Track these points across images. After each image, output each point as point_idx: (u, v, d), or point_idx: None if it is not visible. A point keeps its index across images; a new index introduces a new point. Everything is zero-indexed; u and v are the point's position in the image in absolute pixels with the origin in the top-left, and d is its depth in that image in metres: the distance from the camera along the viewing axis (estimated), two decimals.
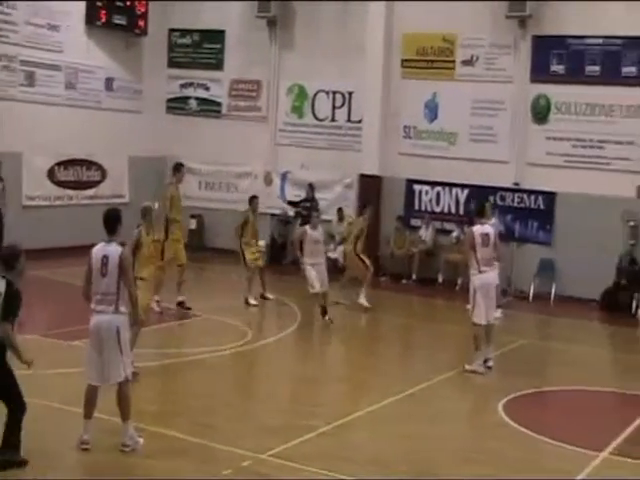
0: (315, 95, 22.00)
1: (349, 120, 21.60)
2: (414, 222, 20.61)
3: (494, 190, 19.50)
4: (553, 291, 18.72)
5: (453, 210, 20.20)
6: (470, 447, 9.53)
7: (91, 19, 21.22)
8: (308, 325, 15.46)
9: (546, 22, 19.14)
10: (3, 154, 18.40)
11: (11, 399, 7.78)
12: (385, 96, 20.75)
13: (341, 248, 20.56)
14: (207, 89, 23.44)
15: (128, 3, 21.93)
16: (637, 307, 17.51)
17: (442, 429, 10.01)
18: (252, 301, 16.25)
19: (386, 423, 10.13)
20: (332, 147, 21.68)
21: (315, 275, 14.92)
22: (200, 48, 23.52)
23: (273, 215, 21.69)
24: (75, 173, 21.36)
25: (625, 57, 18.45)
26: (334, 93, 21.77)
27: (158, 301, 14.56)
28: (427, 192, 20.48)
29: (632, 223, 18.19)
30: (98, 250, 8.56)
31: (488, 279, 12.58)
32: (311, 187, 21.16)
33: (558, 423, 10.54)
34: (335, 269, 20.04)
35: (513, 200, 19.48)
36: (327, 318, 14.94)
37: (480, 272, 12.51)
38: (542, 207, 19.26)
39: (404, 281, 19.97)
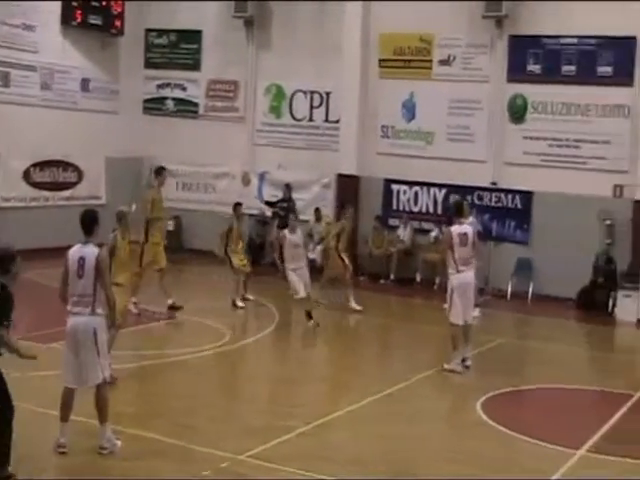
0: (293, 95, 21.98)
1: (327, 120, 21.59)
2: (392, 222, 20.63)
3: (472, 189, 19.57)
4: (530, 290, 18.80)
5: (431, 210, 20.24)
6: (449, 446, 9.56)
7: (67, 19, 21.09)
8: (286, 326, 15.46)
9: (522, 22, 19.22)
10: None
11: (1, 402, 7.69)
12: (363, 96, 20.77)
13: (319, 248, 20.58)
14: (184, 89, 23.36)
15: (104, 3, 21.81)
16: (613, 305, 17.61)
17: (421, 428, 10.02)
18: (239, 303, 16.22)
19: (365, 423, 10.13)
20: (310, 147, 21.68)
21: (297, 280, 14.78)
22: (177, 48, 23.43)
23: (251, 215, 21.60)
24: (51, 174, 21.22)
25: (600, 57, 18.55)
26: (312, 93, 21.76)
27: (135, 303, 14.50)
28: (405, 192, 20.52)
29: (608, 222, 18.30)
30: (75, 251, 8.51)
31: (466, 279, 12.61)
32: (288, 187, 21.14)
33: (536, 421, 10.58)
34: (313, 269, 20.11)
35: (490, 199, 19.56)
36: (312, 322, 14.76)
37: (458, 272, 12.55)
38: (519, 206, 19.34)
39: (382, 281, 19.99)
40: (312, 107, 21.77)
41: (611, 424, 10.45)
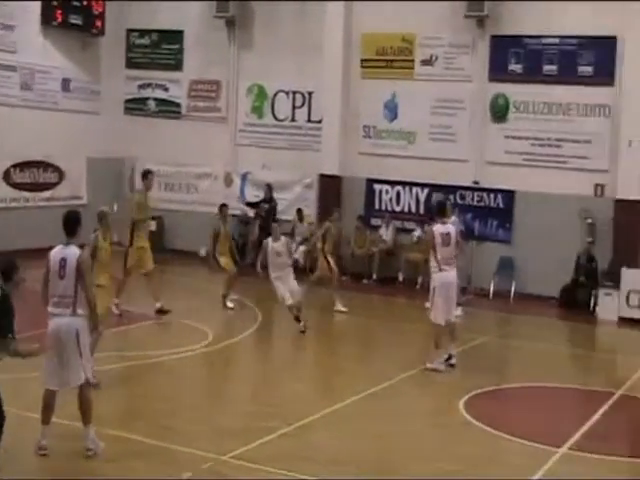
0: (275, 95, 21.96)
1: (309, 120, 21.59)
2: (374, 222, 20.65)
3: (454, 189, 19.61)
4: (513, 289, 18.86)
5: (413, 209, 20.27)
6: (432, 445, 9.57)
7: (47, 19, 20.99)
8: (269, 326, 15.45)
9: (504, 22, 19.28)
10: None
11: None
12: (345, 96, 20.78)
13: (302, 248, 20.57)
14: (166, 90, 23.29)
15: (85, 3, 21.72)
16: (595, 304, 17.69)
17: (404, 428, 10.02)
18: (229, 304, 16.23)
19: (348, 422, 10.13)
20: (292, 147, 21.66)
21: (282, 287, 14.59)
22: (158, 48, 23.36)
23: (233, 216, 21.52)
24: (31, 175, 21.11)
25: (581, 57, 18.63)
26: (294, 93, 21.74)
27: (117, 304, 14.45)
28: (387, 191, 20.54)
29: (590, 221, 18.38)
30: (56, 252, 8.48)
31: (448, 278, 12.64)
32: (269, 187, 21.12)
33: (518, 420, 10.61)
34: (296, 270, 20.09)
35: (473, 199, 19.60)
36: (302, 325, 14.55)
37: (440, 270, 12.57)
38: (501, 205, 19.40)
39: (365, 281, 20.00)
40: (294, 107, 21.76)
41: (593, 422, 10.50)
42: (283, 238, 14.93)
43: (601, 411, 11.00)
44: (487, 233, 19.53)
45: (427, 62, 20.12)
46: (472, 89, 19.68)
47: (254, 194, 21.81)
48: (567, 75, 18.74)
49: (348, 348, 14.66)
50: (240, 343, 14.26)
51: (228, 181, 22.41)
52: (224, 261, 16.28)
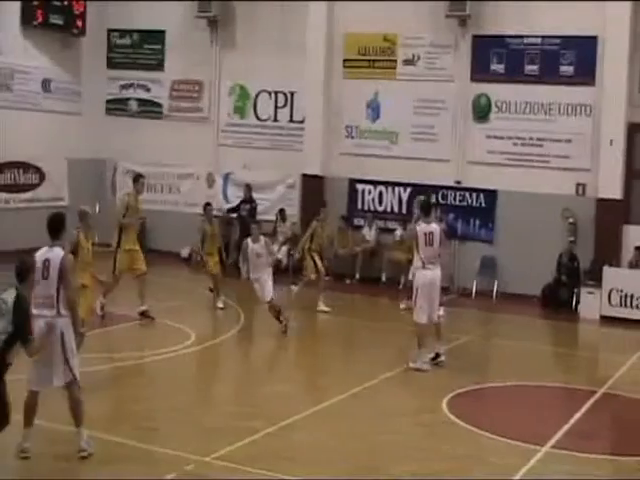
0: (257, 95, 21.92)
1: (291, 120, 21.56)
2: (357, 222, 20.65)
3: (436, 188, 19.64)
4: (495, 288, 18.92)
5: (396, 209, 20.28)
6: (414, 445, 9.56)
7: (27, 19, 20.85)
8: (251, 326, 15.41)
9: (486, 22, 19.33)
10: None
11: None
12: (327, 96, 20.78)
13: (284, 249, 20.56)
14: (148, 90, 23.20)
15: (65, 3, 21.57)
16: (577, 303, 17.76)
17: (387, 427, 10.02)
18: (219, 304, 16.21)
19: (331, 422, 10.12)
20: (274, 147, 21.63)
21: (259, 289, 14.59)
22: (140, 48, 23.28)
23: (215, 217, 21.50)
24: (12, 176, 20.96)
25: (563, 56, 18.72)
26: (276, 93, 21.71)
27: (103, 305, 14.39)
28: (370, 191, 20.55)
29: (571, 220, 18.47)
30: (41, 254, 8.53)
31: (431, 276, 12.65)
32: (248, 188, 21.09)
33: (501, 419, 10.63)
34: (278, 270, 20.05)
35: (455, 198, 19.65)
36: (282, 325, 14.43)
37: (424, 268, 12.59)
38: (483, 205, 19.45)
39: (348, 281, 20.00)
40: (277, 107, 21.73)
41: (575, 420, 10.53)
42: (262, 239, 14.83)
43: (584, 409, 11.04)
44: (469, 233, 19.58)
45: (409, 62, 20.15)
46: (454, 89, 19.71)
47: (236, 195, 21.77)
48: (549, 75, 18.82)
49: (331, 348, 14.65)
50: (223, 343, 14.23)
51: (210, 181, 22.37)
52: (211, 263, 16.23)
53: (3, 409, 7.62)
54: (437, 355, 12.79)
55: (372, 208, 20.51)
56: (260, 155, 21.70)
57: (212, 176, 22.35)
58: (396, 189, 20.25)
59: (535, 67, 19.01)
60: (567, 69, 18.73)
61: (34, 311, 8.36)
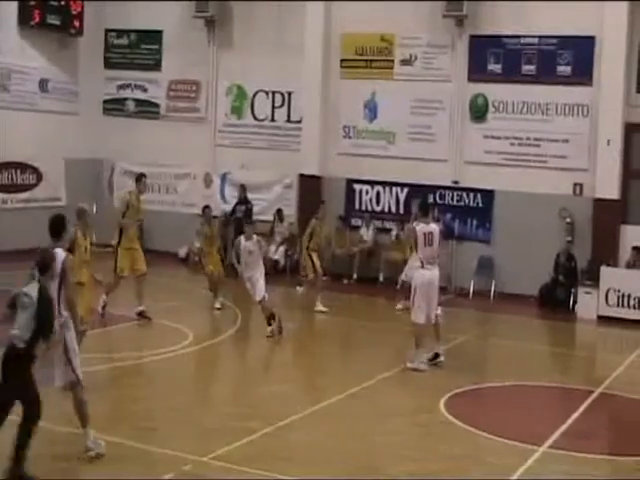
0: (254, 95, 21.93)
1: (289, 120, 21.57)
2: (355, 222, 20.66)
3: (433, 189, 19.66)
4: (492, 288, 18.93)
5: (393, 209, 20.29)
6: (412, 445, 9.56)
7: (24, 19, 20.85)
8: (249, 326, 15.40)
9: (483, 22, 19.34)
10: None
11: (29, 407, 7.69)
12: (324, 96, 20.78)
13: (282, 249, 20.58)
14: (145, 90, 23.20)
15: (63, 3, 21.57)
16: (574, 302, 17.78)
17: (384, 427, 10.03)
18: (217, 305, 16.21)
19: (328, 423, 10.12)
20: (272, 147, 21.64)
21: (250, 288, 14.45)
22: (137, 49, 23.27)
23: (214, 217, 21.50)
24: (9, 176, 20.95)
25: (560, 56, 18.73)
26: (273, 93, 21.71)
27: (105, 305, 14.43)
28: (367, 191, 20.55)
29: (568, 220, 18.48)
30: None
31: (430, 277, 12.66)
32: (243, 188, 21.08)
33: (498, 419, 10.64)
34: (275, 271, 20.08)
35: (452, 198, 19.66)
36: (269, 330, 14.18)
37: (423, 269, 12.60)
38: (481, 205, 19.46)
39: (345, 281, 20.00)
40: (274, 107, 21.73)
41: (572, 420, 10.54)
42: (255, 237, 14.75)
43: (581, 409, 11.05)
44: (467, 233, 19.59)
45: (406, 62, 20.16)
46: (451, 89, 19.73)
47: (233, 195, 21.76)
48: (546, 75, 18.84)
49: (329, 348, 14.64)
50: (221, 344, 14.23)
51: (207, 181, 22.37)
52: (212, 264, 16.20)
53: (36, 403, 7.70)
54: (436, 355, 12.80)
55: (369, 208, 20.51)
56: (257, 155, 21.71)
57: (209, 176, 22.35)
58: (393, 189, 20.26)
59: (532, 67, 19.02)
60: (564, 69, 18.74)
61: None
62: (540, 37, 18.89)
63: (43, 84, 21.75)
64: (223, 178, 22.21)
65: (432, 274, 12.71)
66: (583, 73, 18.49)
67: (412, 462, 8.91)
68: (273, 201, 21.40)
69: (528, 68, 19.06)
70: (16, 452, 7.65)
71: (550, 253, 18.27)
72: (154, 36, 22.92)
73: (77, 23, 22.08)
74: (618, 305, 17.16)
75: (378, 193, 20.44)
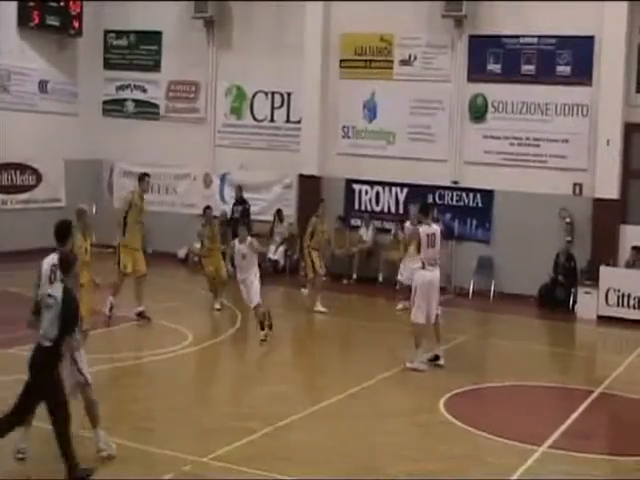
0: (254, 96, 21.92)
1: (288, 120, 21.57)
2: (354, 222, 20.66)
3: (433, 189, 19.66)
4: (492, 288, 18.93)
5: (393, 209, 20.29)
6: (411, 445, 9.56)
7: (24, 20, 20.84)
8: (248, 327, 15.38)
9: (482, 22, 19.34)
10: None
11: (55, 410, 7.70)
12: (324, 96, 20.78)
13: (282, 249, 20.58)
14: (144, 91, 23.20)
15: (62, 4, 21.56)
16: (574, 302, 17.78)
17: (384, 427, 10.02)
18: (216, 305, 16.19)
19: (328, 423, 10.12)
20: (271, 148, 21.64)
21: (244, 291, 14.24)
22: (136, 49, 23.27)
23: (214, 217, 21.48)
24: (9, 177, 20.94)
25: (560, 56, 18.73)
26: (273, 94, 21.71)
27: (112, 306, 14.44)
28: (367, 192, 20.55)
29: (568, 220, 18.48)
30: (48, 259, 8.50)
31: (430, 278, 12.67)
32: (239, 189, 21.07)
33: (498, 419, 10.64)
34: (275, 271, 20.10)
35: (452, 198, 19.66)
36: (262, 334, 13.92)
37: (424, 269, 12.61)
38: (480, 205, 19.46)
39: (345, 281, 20.00)
40: (273, 108, 21.73)
41: (572, 420, 10.54)
42: (248, 239, 14.47)
43: (581, 409, 11.05)
44: (466, 233, 19.59)
45: (406, 62, 20.15)
46: (451, 89, 19.73)
47: (232, 195, 21.74)
48: (545, 75, 18.84)
49: (328, 348, 14.64)
50: (220, 344, 14.23)
51: (207, 182, 22.37)
52: (213, 265, 16.18)
53: (63, 405, 7.73)
54: (436, 357, 12.80)
55: (369, 208, 20.52)
56: (257, 155, 21.71)
57: (209, 177, 22.36)
58: (393, 189, 20.26)
59: (532, 67, 19.02)
60: (564, 69, 18.74)
61: None
62: (539, 37, 18.89)
63: (42, 85, 21.76)
64: (222, 178, 22.20)
65: (433, 275, 12.73)
66: (583, 73, 18.49)
67: (412, 462, 8.91)
68: (273, 201, 21.41)
69: (527, 68, 19.06)
70: (65, 462, 7.67)
71: (550, 253, 18.28)
72: (153, 37, 22.92)
73: (76, 24, 22.07)
74: (618, 305, 17.16)
75: (377, 193, 20.44)
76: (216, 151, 22.38)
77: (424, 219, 12.99)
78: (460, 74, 19.63)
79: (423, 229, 12.75)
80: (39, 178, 21.73)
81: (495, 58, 19.35)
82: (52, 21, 21.40)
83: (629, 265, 17.84)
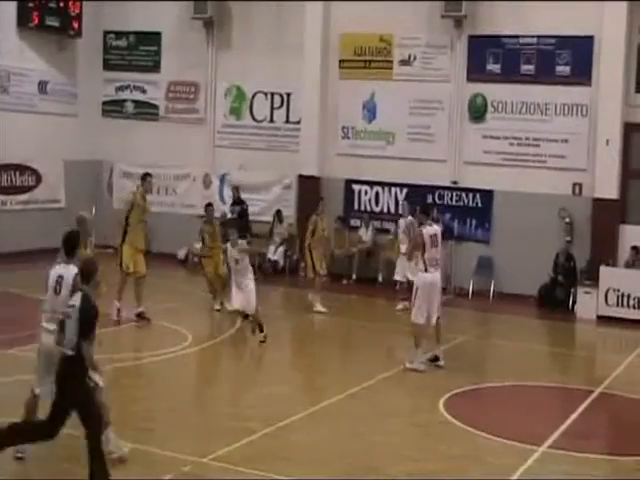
0: (253, 96, 21.92)
1: (287, 121, 21.56)
2: (354, 222, 20.66)
3: (432, 189, 19.66)
4: (492, 288, 18.93)
5: (392, 210, 20.28)
6: (411, 445, 9.57)
7: (23, 21, 20.84)
8: (248, 328, 15.37)
9: (481, 22, 19.34)
10: None
11: (89, 422, 7.67)
12: (323, 97, 20.78)
13: (281, 250, 20.58)
14: (144, 92, 23.20)
15: (61, 4, 21.55)
16: (574, 302, 17.78)
17: (384, 428, 10.02)
18: (216, 306, 16.19)
19: (328, 423, 10.12)
20: (271, 148, 21.64)
21: (236, 294, 14.04)
22: (136, 50, 23.26)
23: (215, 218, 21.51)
24: (8, 178, 20.94)
25: (559, 56, 18.73)
26: (272, 94, 21.71)
27: (119, 309, 14.49)
28: (366, 192, 20.55)
29: (568, 220, 18.49)
30: (56, 270, 8.52)
31: (432, 279, 12.67)
32: (237, 189, 21.06)
33: (498, 419, 10.64)
34: (275, 272, 20.10)
35: (451, 199, 19.66)
36: (262, 335, 13.88)
37: (426, 271, 12.61)
38: (480, 205, 19.46)
39: (344, 281, 20.00)
40: (273, 108, 21.73)
41: (572, 420, 10.54)
42: (239, 242, 14.30)
43: (580, 409, 11.06)
44: (466, 233, 19.59)
45: (405, 62, 20.15)
46: (450, 89, 19.73)
47: (231, 195, 21.70)
48: (545, 75, 18.84)
49: (328, 349, 14.64)
50: (220, 345, 14.22)
51: (207, 182, 22.37)
52: (213, 264, 16.18)
53: (95, 417, 7.72)
54: (436, 358, 12.80)
55: (368, 209, 20.52)
56: (256, 156, 21.71)
57: (208, 177, 22.35)
58: (392, 189, 20.26)
59: (531, 67, 19.03)
60: (563, 69, 18.75)
61: (43, 324, 8.37)
62: (539, 37, 18.89)
63: (42, 86, 21.75)
64: (222, 179, 22.19)
65: (434, 276, 12.73)
66: (582, 73, 18.50)
67: (411, 462, 8.91)
68: (272, 202, 21.41)
69: (527, 68, 19.06)
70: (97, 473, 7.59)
71: (549, 253, 18.28)
72: (153, 37, 22.92)
73: (76, 25, 22.06)
74: (617, 305, 17.16)
75: (377, 193, 20.44)
76: (216, 152, 22.38)
77: (425, 220, 12.99)
78: (460, 74, 19.63)
79: (427, 230, 12.75)
80: (39, 179, 21.73)
81: (495, 58, 19.35)
82: (51, 22, 21.39)
83: (629, 265, 17.84)
